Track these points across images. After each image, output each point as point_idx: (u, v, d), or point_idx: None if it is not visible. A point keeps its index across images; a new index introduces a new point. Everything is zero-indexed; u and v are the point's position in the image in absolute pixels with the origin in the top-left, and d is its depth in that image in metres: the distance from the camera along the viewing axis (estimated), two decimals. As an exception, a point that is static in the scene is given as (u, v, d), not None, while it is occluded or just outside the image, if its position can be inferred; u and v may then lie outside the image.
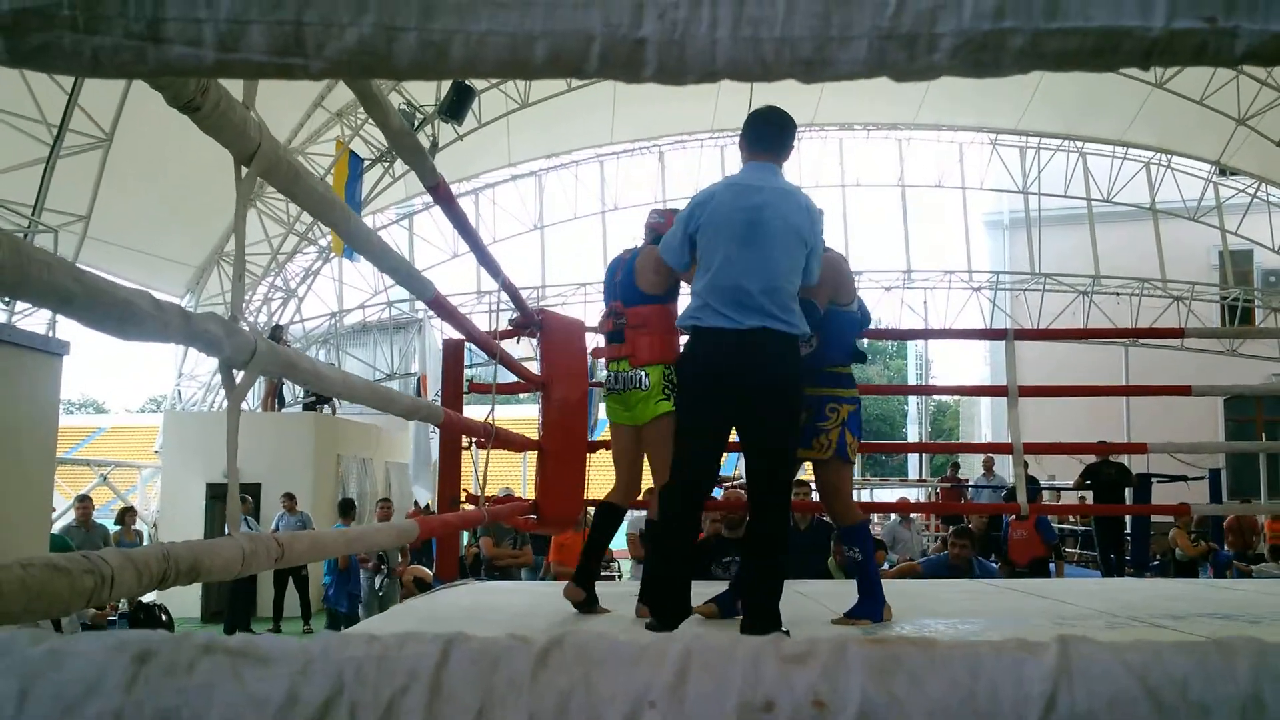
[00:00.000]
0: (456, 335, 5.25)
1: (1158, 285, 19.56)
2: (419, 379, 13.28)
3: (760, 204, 3.43)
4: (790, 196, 3.50)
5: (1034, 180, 20.71)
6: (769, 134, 3.55)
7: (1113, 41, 0.63)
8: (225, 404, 1.73)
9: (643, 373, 3.97)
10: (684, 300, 3.85)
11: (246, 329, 1.72)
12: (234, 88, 1.58)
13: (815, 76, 0.65)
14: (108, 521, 12.63)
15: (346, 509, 12.29)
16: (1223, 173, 19.66)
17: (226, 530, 1.83)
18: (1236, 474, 19.03)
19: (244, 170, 1.75)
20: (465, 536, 10.58)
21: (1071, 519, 14.33)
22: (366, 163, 14.00)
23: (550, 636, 0.61)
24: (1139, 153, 19.97)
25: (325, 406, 15.21)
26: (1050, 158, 20.57)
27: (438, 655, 0.59)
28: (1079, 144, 20.15)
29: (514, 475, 17.77)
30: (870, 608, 3.76)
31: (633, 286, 4.00)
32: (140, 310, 1.23)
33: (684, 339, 3.64)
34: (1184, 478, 12.91)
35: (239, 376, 1.75)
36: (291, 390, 15.83)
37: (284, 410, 15.79)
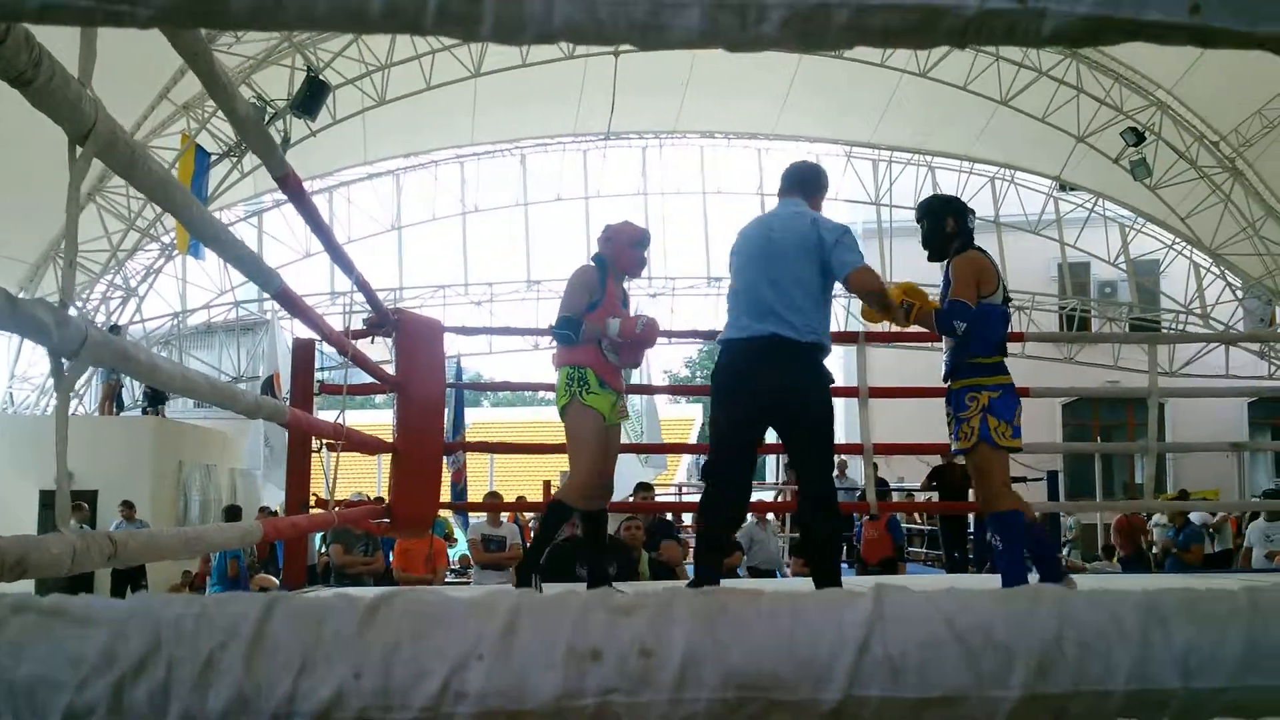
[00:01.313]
0: (307, 336, 5.13)
1: (1001, 294, 20.36)
2: (271, 377, 12.91)
3: (772, 226, 3.87)
4: (800, 217, 3.84)
5: (886, 192, 21.34)
6: (804, 177, 4.01)
7: (931, 19, 0.66)
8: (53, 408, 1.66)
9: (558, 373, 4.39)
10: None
11: (77, 316, 1.65)
12: (70, 64, 1.51)
13: (651, 42, 0.67)
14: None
15: (232, 516, 11.86)
16: (1062, 188, 20.59)
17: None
18: (1073, 476, 19.98)
19: (79, 150, 1.68)
20: (318, 543, 10.33)
21: (917, 519, 14.82)
22: (214, 157, 13.53)
23: (380, 594, 0.60)
24: (984, 167, 20.76)
25: (159, 409, 14.65)
26: (901, 171, 21.21)
27: (260, 612, 0.58)
28: (928, 158, 20.83)
29: (369, 480, 17.44)
30: None
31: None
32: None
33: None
34: (1024, 479, 13.47)
35: (69, 369, 1.68)
36: (131, 393, 15.19)
37: (122, 414, 15.15)
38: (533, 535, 4.86)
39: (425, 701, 0.57)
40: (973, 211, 4.34)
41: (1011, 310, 4.85)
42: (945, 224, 4.21)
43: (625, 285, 4.69)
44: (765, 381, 3.66)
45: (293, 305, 3.40)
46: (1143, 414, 6.30)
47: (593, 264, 4.53)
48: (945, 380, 4.14)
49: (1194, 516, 12.03)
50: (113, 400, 15.15)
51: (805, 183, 4.00)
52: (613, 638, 0.59)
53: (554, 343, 4.51)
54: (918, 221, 4.32)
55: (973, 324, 3.95)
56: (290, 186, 3.00)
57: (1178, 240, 19.85)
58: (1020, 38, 0.67)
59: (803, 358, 3.68)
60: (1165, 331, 20.13)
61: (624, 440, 11.93)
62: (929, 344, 18.91)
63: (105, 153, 1.80)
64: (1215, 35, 0.66)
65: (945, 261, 4.21)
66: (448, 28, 0.63)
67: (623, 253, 4.52)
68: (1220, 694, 0.62)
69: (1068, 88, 16.64)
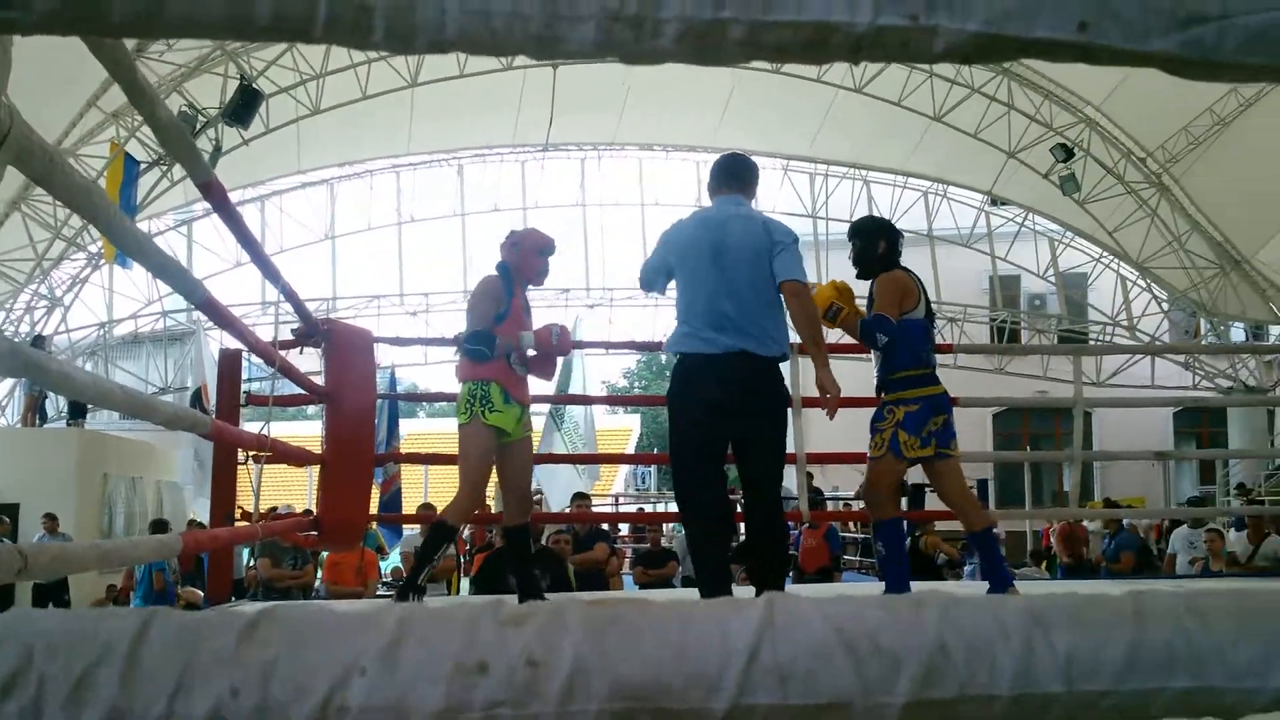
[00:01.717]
0: (235, 346, 5.05)
1: (935, 306, 20.66)
2: (199, 388, 12.70)
3: (725, 231, 3.65)
4: (750, 221, 3.73)
5: (822, 205, 21.56)
6: (737, 170, 3.87)
7: (824, 35, 0.66)
8: None
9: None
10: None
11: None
12: None
13: (547, 53, 0.67)
14: None
15: (158, 530, 11.59)
16: (994, 202, 20.97)
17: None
18: (1003, 484, 20.33)
19: None
20: (247, 558, 10.15)
21: (852, 527, 14.95)
22: (143, 165, 13.28)
23: (261, 609, 0.59)
24: (918, 182, 21.08)
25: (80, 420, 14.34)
26: (838, 184, 21.45)
27: (136, 628, 0.57)
28: (864, 172, 21.10)
29: (301, 493, 17.20)
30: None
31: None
32: None
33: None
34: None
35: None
36: (55, 405, 14.85)
37: (45, 426, 14.80)
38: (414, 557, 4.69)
39: (305, 718, 0.56)
40: (902, 235, 4.43)
41: (938, 325, 5.01)
42: (878, 245, 4.32)
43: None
44: (733, 400, 3.56)
45: (218, 315, 3.34)
46: (1071, 423, 6.42)
47: (496, 273, 4.40)
48: (877, 394, 4.26)
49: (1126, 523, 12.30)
50: (35, 411, 14.79)
51: (742, 177, 3.88)
52: (500, 650, 0.59)
53: (457, 355, 4.41)
54: (850, 239, 4.41)
55: (895, 339, 4.02)
56: (214, 195, 2.95)
57: (1105, 254, 20.31)
58: (913, 54, 0.68)
59: (770, 373, 3.62)
60: (1093, 343, 20.58)
61: (562, 450, 11.86)
62: (863, 355, 19.18)
63: (21, 160, 1.76)
64: (1103, 53, 0.67)
65: (871, 280, 4.32)
66: (337, 36, 0.63)
67: (528, 260, 4.40)
68: (1103, 697, 0.64)
69: (999, 104, 16.96)
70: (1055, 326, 21.79)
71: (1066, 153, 17.03)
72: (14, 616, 0.58)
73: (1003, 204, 20.93)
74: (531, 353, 4.30)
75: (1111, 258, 20.17)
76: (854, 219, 4.62)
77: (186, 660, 0.56)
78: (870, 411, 4.42)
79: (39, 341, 14.66)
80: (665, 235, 3.80)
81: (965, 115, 17.08)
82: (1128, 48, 0.68)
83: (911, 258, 19.90)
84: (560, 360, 4.65)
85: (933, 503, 13.17)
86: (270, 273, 3.83)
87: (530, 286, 4.55)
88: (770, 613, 0.61)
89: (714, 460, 3.67)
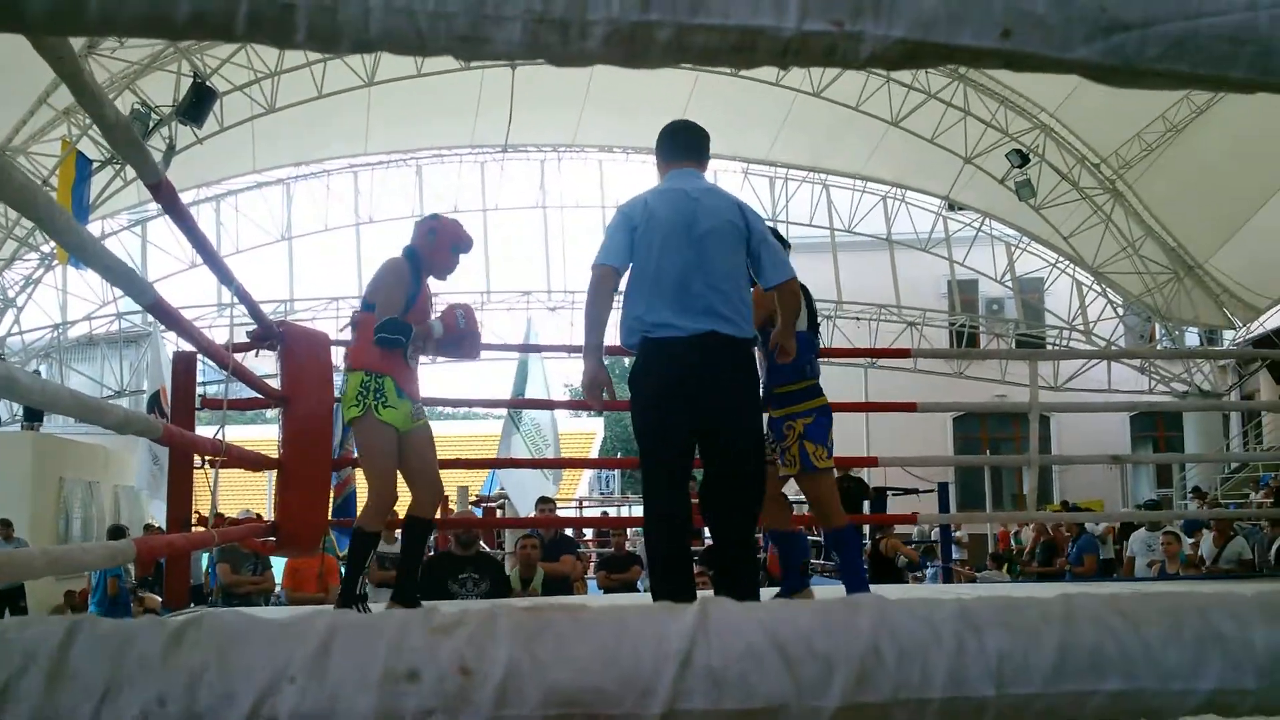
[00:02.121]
0: (189, 349, 4.99)
1: (894, 311, 20.82)
2: (157, 391, 12.53)
3: (694, 205, 3.38)
4: (719, 194, 3.52)
5: (782, 209, 21.65)
6: (692, 141, 3.58)
7: (750, 40, 0.67)
8: None
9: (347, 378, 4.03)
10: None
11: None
12: None
13: (473, 54, 0.67)
14: None
15: (116, 535, 11.42)
16: (951, 207, 21.17)
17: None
18: (964, 487, 20.53)
19: None
20: (206, 563, 10.03)
21: (816, 531, 15.02)
22: (96, 164, 13.10)
23: (189, 617, 0.58)
24: (877, 186, 21.22)
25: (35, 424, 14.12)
26: (797, 188, 21.56)
27: (61, 636, 0.56)
28: (823, 176, 21.22)
29: (259, 498, 17.03)
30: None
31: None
32: None
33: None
34: (916, 491, 13.79)
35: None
36: (9, 408, 14.61)
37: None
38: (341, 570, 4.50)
39: (232, 726, 0.56)
40: (789, 245, 4.20)
41: (897, 329, 5.00)
42: None
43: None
44: (704, 386, 3.26)
45: (168, 317, 3.30)
46: (1029, 427, 6.49)
47: (404, 258, 4.18)
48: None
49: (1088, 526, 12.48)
50: (-13, 415, 14.56)
51: (700, 148, 3.60)
52: (431, 657, 0.58)
53: (351, 339, 4.22)
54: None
55: (775, 357, 3.80)
56: (164, 195, 2.91)
57: (1061, 259, 20.55)
58: (840, 59, 0.68)
59: (744, 357, 3.36)
60: (1050, 347, 20.80)
61: (525, 455, 11.73)
62: (824, 360, 19.30)
63: None
64: (1027, 60, 0.68)
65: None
66: (259, 35, 0.62)
67: (441, 252, 4.19)
68: (1033, 700, 0.64)
69: (955, 110, 17.12)
70: (1013, 331, 22.03)
71: (1022, 158, 17.23)
72: (-67, 626, 0.57)
73: (960, 209, 21.13)
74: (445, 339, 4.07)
75: (1067, 263, 20.41)
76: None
77: (112, 668, 0.55)
78: (840, 418, 4.36)
79: (-10, 344, 14.43)
80: (626, 211, 3.46)
81: (922, 120, 17.22)
82: (1050, 55, 0.68)
83: (871, 262, 20.16)
84: (479, 336, 4.28)
85: (895, 507, 13.30)
86: (223, 274, 3.78)
87: (434, 279, 4.30)
88: (704, 617, 0.61)
89: (683, 455, 3.38)
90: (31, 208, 2.04)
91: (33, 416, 14.37)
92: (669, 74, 16.16)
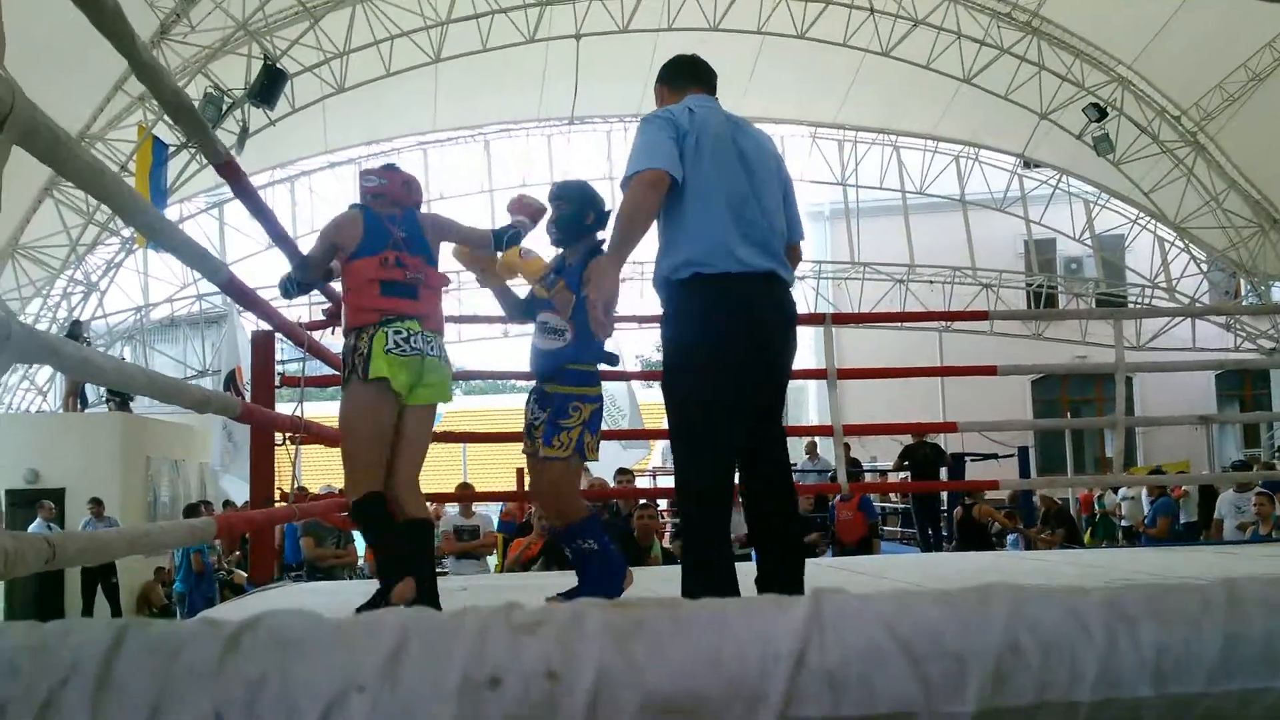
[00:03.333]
0: (267, 328, 5.02)
1: (968, 273, 20.43)
2: (232, 371, 12.75)
3: (735, 127, 2.97)
4: (763, 134, 3.11)
5: (852, 173, 21.32)
6: (708, 73, 3.20)
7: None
8: (25, 405, 1.58)
9: (440, 342, 3.49)
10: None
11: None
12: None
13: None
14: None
15: (192, 513, 11.71)
16: (1027, 165, 20.66)
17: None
18: (1044, 451, 20.13)
19: None
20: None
21: (893, 498, 14.86)
22: (172, 148, 13.30)
23: (244, 620, 0.53)
24: (949, 146, 20.79)
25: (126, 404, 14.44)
26: (867, 151, 21.20)
27: (108, 643, 0.51)
28: (893, 138, 20.83)
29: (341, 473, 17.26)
30: (605, 587, 3.45)
31: (426, 247, 3.52)
32: None
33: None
34: (995, 456, 13.54)
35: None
36: (95, 390, 14.97)
37: (87, 411, 14.93)
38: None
39: (296, 741, 0.50)
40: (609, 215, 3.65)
41: (979, 287, 4.64)
42: (586, 216, 3.65)
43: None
44: (774, 342, 2.84)
45: (242, 296, 3.30)
46: (1111, 388, 6.30)
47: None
48: (539, 378, 3.67)
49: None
50: (76, 397, 14.92)
51: (711, 80, 3.19)
52: (514, 661, 0.52)
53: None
54: (553, 201, 3.69)
55: (581, 329, 3.45)
56: (230, 173, 2.91)
57: (1142, 215, 19.98)
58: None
59: (794, 308, 2.97)
60: (1131, 306, 20.26)
61: (605, 426, 11.82)
62: (898, 325, 19.00)
63: (27, 140, 1.71)
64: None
65: (568, 250, 3.71)
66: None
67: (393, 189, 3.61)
68: (1197, 701, 0.56)
69: (1029, 65, 16.66)
70: (1093, 290, 21.48)
71: (1099, 113, 16.72)
72: (-29, 632, 0.53)
73: (1036, 166, 20.63)
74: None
75: (1148, 219, 19.83)
76: (563, 182, 3.78)
77: (163, 679, 0.50)
78: (905, 383, 4.15)
79: (76, 326, 14.76)
80: (666, 117, 2.87)
81: (995, 77, 16.77)
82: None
83: (944, 223, 19.83)
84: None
85: (973, 472, 13.10)
86: (289, 250, 3.74)
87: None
88: (817, 612, 0.54)
89: (745, 419, 2.84)
90: (103, 188, 2.02)
91: (119, 397, 14.70)
92: (734, 38, 15.96)
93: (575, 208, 3.62)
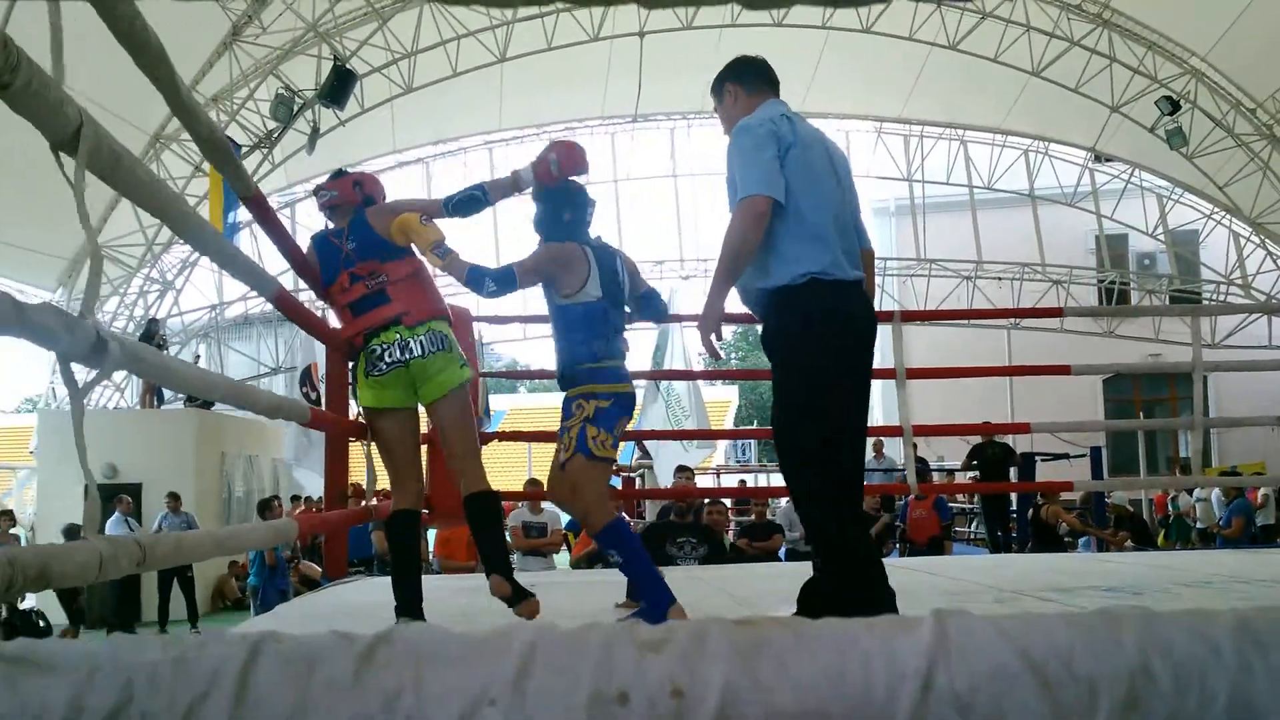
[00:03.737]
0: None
1: (1038, 269, 20.11)
2: (309, 367, 12.96)
3: (821, 136, 3.01)
4: (838, 145, 3.11)
5: (918, 168, 21.10)
6: (775, 78, 3.18)
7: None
8: (103, 402, 1.63)
9: (430, 331, 3.34)
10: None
11: (88, 321, 1.61)
12: (44, 64, 1.46)
13: None
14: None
15: (265, 508, 11.93)
16: (1098, 159, 20.29)
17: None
18: (1115, 451, 19.74)
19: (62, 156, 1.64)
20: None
21: (961, 498, 14.69)
22: (244, 149, 13.55)
23: (378, 633, 0.54)
24: (1017, 140, 20.48)
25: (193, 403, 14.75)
26: (933, 146, 20.97)
27: (244, 657, 0.52)
28: (960, 132, 20.58)
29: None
30: (650, 613, 3.17)
31: (380, 242, 3.37)
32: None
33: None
34: (1066, 456, 13.32)
35: (82, 373, 1.65)
36: (171, 386, 15.30)
37: (163, 407, 15.27)
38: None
39: (431, 754, 0.51)
40: (592, 204, 3.64)
41: (1042, 287, 4.50)
42: (564, 215, 3.53)
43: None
44: (870, 348, 2.94)
45: (290, 310, 3.30)
46: (1185, 387, 6.16)
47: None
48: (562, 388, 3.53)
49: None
50: (153, 393, 15.26)
51: (778, 86, 3.17)
52: (641, 678, 0.52)
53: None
54: (534, 199, 3.60)
55: (573, 329, 3.38)
56: (256, 206, 2.98)
57: (1216, 210, 19.52)
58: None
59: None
60: (1206, 303, 19.80)
61: (665, 425, 11.78)
62: (964, 322, 18.75)
63: (90, 156, 1.75)
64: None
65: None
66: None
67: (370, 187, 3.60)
68: (1332, 727, 0.55)
69: (1100, 57, 16.35)
70: (1166, 286, 21.03)
71: (1172, 105, 16.36)
72: (114, 645, 0.54)
73: (1107, 160, 20.25)
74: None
75: (1223, 213, 19.38)
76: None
77: (299, 692, 0.51)
78: (973, 382, 4.09)
79: (152, 325, 15.10)
80: (770, 129, 2.87)
81: (1065, 69, 16.49)
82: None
83: (1013, 219, 19.51)
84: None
85: (1044, 473, 12.89)
86: (312, 281, 3.66)
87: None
88: (943, 632, 0.54)
89: (862, 413, 2.92)
90: (156, 204, 2.04)
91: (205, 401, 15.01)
92: (799, 33, 15.87)
93: (553, 207, 3.55)
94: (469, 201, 3.47)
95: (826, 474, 2.80)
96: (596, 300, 3.40)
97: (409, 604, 3.36)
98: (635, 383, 3.66)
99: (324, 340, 4.23)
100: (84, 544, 1.59)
